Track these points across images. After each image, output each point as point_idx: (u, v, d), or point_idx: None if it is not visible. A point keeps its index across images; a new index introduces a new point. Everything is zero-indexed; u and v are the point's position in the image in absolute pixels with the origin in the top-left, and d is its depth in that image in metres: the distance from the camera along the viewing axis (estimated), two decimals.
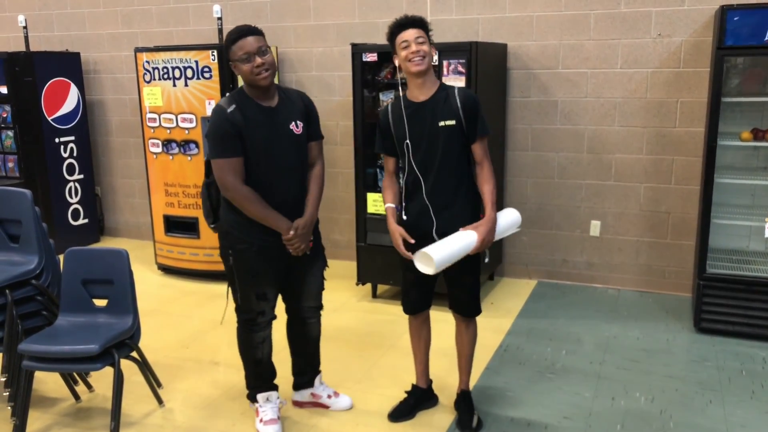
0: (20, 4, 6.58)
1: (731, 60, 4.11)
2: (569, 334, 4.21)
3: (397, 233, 2.96)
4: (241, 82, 2.92)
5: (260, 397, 3.14)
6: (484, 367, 3.74)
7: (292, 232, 2.86)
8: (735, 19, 3.78)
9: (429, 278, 2.99)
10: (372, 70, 4.74)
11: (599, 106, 4.80)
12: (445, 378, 3.53)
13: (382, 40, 4.90)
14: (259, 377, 3.16)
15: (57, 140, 6.09)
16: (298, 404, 3.37)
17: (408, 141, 2.96)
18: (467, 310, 3.13)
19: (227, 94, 2.89)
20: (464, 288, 3.09)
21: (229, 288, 3.03)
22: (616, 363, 3.80)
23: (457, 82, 4.19)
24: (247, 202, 2.80)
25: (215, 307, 4.70)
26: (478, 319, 3.18)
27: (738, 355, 3.86)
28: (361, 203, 4.74)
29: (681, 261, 4.81)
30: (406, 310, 3.21)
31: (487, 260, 3.10)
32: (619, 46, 4.67)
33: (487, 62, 4.49)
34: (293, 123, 2.89)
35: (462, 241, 2.84)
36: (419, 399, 3.31)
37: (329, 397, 3.34)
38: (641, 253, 4.91)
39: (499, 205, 5.01)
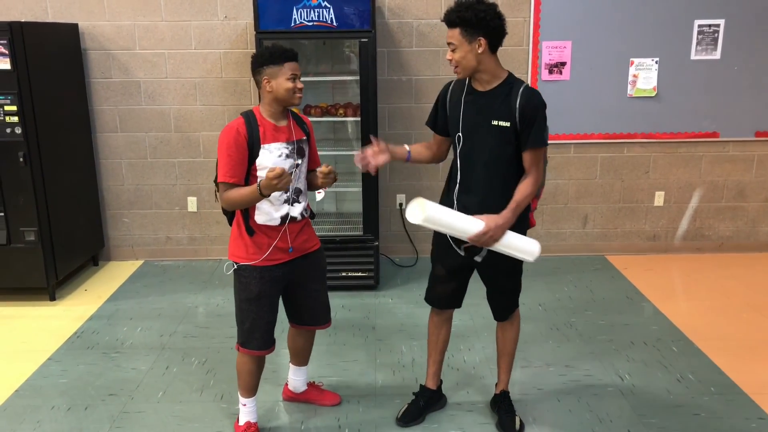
0: None
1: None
2: (152, 310, 4.32)
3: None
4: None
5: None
6: (46, 358, 3.67)
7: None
8: (265, 5, 4.14)
9: (459, 278, 2.91)
10: None
11: (180, 86, 4.93)
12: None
13: None
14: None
15: None
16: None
17: (460, 133, 2.71)
18: (504, 314, 2.98)
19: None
20: (503, 291, 2.93)
21: None
22: (188, 332, 4.00)
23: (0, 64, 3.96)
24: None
25: None
26: None
27: None
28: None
29: None
30: (427, 300, 3.02)
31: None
32: (191, 27, 4.83)
33: (46, 43, 4.31)
34: None
35: (465, 222, 2.60)
36: (428, 401, 3.12)
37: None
38: None
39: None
